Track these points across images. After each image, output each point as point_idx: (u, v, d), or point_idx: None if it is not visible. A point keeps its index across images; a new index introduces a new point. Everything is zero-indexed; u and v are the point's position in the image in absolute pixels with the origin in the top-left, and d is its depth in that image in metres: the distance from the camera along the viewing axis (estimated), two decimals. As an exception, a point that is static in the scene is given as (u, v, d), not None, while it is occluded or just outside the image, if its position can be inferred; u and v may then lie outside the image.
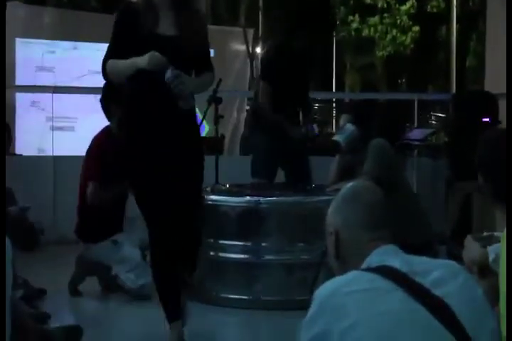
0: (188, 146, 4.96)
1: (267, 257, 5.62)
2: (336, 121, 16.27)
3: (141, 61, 4.61)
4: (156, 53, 4.61)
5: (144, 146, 4.84)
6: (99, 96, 11.68)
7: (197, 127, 5.39)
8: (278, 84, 6.74)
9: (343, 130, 6.16)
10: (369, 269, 2.71)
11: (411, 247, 3.63)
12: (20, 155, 10.75)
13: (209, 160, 6.34)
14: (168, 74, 4.60)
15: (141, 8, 4.84)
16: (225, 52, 16.91)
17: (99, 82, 13.83)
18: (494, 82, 9.63)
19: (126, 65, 4.79)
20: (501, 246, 3.78)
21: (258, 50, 20.42)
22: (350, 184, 3.95)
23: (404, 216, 4.52)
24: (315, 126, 6.71)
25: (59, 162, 8.28)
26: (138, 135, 4.90)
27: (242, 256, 5.67)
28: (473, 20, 15.55)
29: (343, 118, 6.35)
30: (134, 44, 4.65)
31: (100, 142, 6.34)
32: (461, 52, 16.47)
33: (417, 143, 7.08)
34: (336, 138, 6.16)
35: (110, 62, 4.73)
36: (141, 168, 4.83)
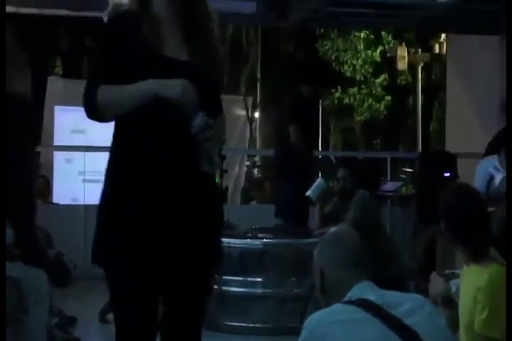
0: (204, 228, 2.91)
1: (264, 290, 5.57)
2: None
3: (166, 89, 2.78)
4: (189, 83, 2.83)
5: (138, 223, 2.79)
6: None
7: (217, 200, 3.26)
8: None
9: (314, 185, 6.17)
10: (350, 302, 2.73)
11: (385, 283, 3.63)
12: (57, 204, 10.75)
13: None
14: (199, 120, 2.79)
15: (139, 19, 2.95)
16: (228, 116, 16.82)
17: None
18: (453, 143, 9.64)
19: (133, 91, 2.85)
20: (461, 281, 3.79)
21: (256, 114, 20.47)
22: (333, 229, 3.97)
23: (380, 256, 4.51)
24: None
25: (89, 209, 8.27)
26: (128, 202, 2.86)
27: (242, 289, 5.59)
28: (435, 91, 15.65)
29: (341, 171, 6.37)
30: (131, 67, 2.87)
31: None
32: (425, 117, 16.61)
33: (389, 193, 7.07)
34: (308, 193, 6.18)
35: (103, 88, 2.83)
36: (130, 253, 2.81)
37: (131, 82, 2.81)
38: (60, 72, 18.92)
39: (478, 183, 6.71)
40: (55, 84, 15.35)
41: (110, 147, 3.07)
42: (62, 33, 18.46)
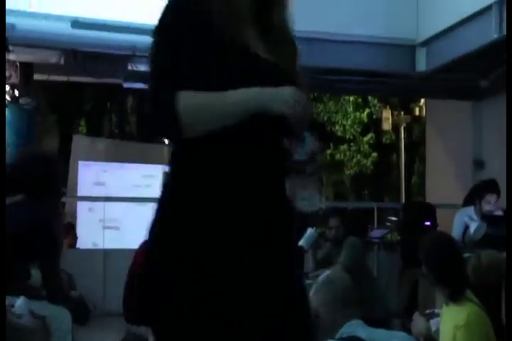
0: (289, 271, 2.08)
1: None
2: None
3: (276, 100, 1.92)
4: (302, 94, 2.01)
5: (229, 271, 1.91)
6: (140, 204, 11.45)
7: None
8: None
9: (305, 236, 6.14)
10: (341, 339, 2.72)
11: (373, 321, 3.61)
12: (79, 248, 10.77)
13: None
14: (310, 144, 2.04)
15: (218, 10, 2.03)
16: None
17: (141, 193, 13.99)
18: (433, 194, 9.65)
19: (233, 102, 1.95)
20: (441, 319, 3.77)
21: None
22: (326, 272, 3.96)
23: (368, 297, 4.50)
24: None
25: (108, 253, 8.27)
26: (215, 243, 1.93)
27: None
28: (416, 148, 15.77)
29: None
30: (222, 66, 1.95)
31: (142, 250, 6.23)
32: (407, 172, 16.70)
33: (376, 240, 7.06)
34: (300, 243, 6.16)
35: (186, 95, 1.89)
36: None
37: (222, 86, 1.83)
38: (84, 131, 18.95)
39: (455, 231, 6.73)
40: (79, 141, 15.51)
41: (173, 170, 2.07)
42: (87, 97, 18.59)
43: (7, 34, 7.12)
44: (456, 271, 3.79)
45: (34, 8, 7.30)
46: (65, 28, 7.40)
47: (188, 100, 1.83)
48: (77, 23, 7.42)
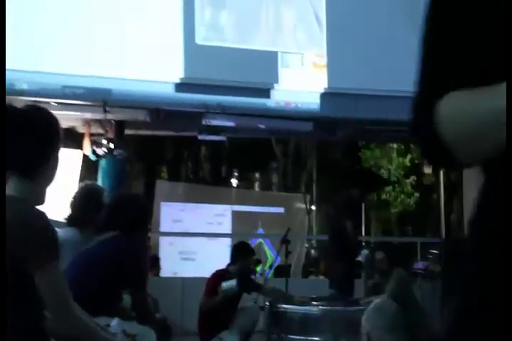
0: None
1: None
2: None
3: None
4: None
5: None
6: (212, 239, 11.48)
7: None
8: None
9: (362, 254, 6.19)
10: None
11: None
12: (162, 276, 10.88)
13: (280, 281, 6.35)
14: None
15: None
16: (292, 209, 17.05)
17: (213, 229, 14.09)
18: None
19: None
20: None
21: (313, 207, 20.49)
22: (376, 300, 3.96)
23: (414, 322, 4.47)
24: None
25: (185, 281, 8.33)
26: None
27: None
28: (454, 189, 15.59)
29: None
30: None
31: (213, 276, 6.25)
32: (446, 210, 16.51)
33: (420, 271, 7.00)
34: (358, 258, 6.20)
35: (455, 102, 0.96)
36: None
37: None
38: (165, 177, 19.24)
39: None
40: (161, 185, 15.88)
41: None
42: (167, 148, 18.90)
43: (105, 97, 7.35)
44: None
45: (125, 76, 7.49)
46: (151, 91, 7.59)
47: (461, 109, 1.02)
48: (161, 86, 7.63)
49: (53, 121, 2.48)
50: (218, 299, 5.81)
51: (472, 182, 10.26)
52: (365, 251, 6.23)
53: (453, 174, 17.50)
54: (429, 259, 7.71)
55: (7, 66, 6.95)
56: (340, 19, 8.07)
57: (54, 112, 2.58)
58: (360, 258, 6.22)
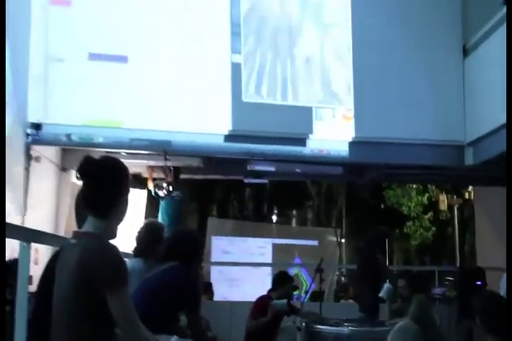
0: None
1: None
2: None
3: None
4: None
5: None
6: (255, 268, 11.38)
7: None
8: None
9: (384, 289, 6.07)
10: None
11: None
12: (213, 301, 10.83)
13: (315, 305, 6.28)
14: None
15: None
16: (324, 242, 16.94)
17: (257, 259, 14.02)
18: (483, 260, 9.34)
19: None
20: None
21: (343, 240, 20.35)
22: (400, 322, 3.91)
23: None
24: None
25: (233, 304, 8.26)
26: None
27: None
28: (467, 224, 15.40)
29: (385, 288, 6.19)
30: None
31: (258, 301, 6.20)
32: (461, 242, 16.26)
33: (438, 296, 6.87)
34: (381, 294, 6.08)
35: None
36: None
37: None
38: (216, 214, 19.32)
39: (502, 290, 6.49)
40: (212, 222, 15.93)
41: None
42: (217, 190, 19.02)
43: (165, 148, 7.44)
44: (504, 323, 3.69)
45: (182, 129, 7.57)
46: (204, 142, 7.66)
47: None
48: (213, 137, 7.70)
49: (123, 169, 2.54)
50: (266, 319, 5.78)
51: (483, 217, 10.11)
52: (387, 286, 6.10)
53: (466, 210, 17.32)
54: (445, 285, 7.56)
55: (86, 123, 7.13)
56: (364, 78, 8.11)
57: (124, 161, 2.64)
58: (381, 294, 6.09)
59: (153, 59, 7.60)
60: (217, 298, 12.16)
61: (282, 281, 6.31)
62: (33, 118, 7.10)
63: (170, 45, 7.67)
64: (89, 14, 7.45)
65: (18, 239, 3.11)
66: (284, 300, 5.89)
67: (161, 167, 7.71)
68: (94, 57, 7.36)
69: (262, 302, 6.03)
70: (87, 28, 7.40)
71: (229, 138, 7.70)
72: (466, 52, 8.24)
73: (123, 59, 7.46)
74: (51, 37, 7.27)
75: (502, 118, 7.12)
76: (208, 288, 9.39)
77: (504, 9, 7.36)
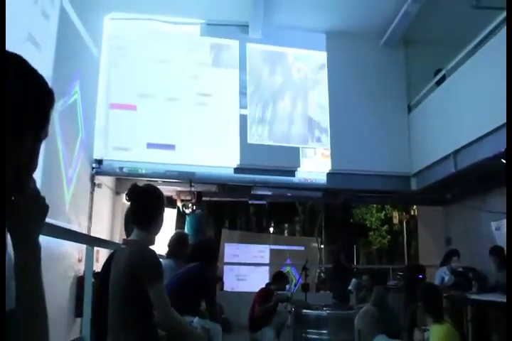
0: None
1: (328, 337, 5.24)
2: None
3: None
4: None
5: None
6: (257, 267, 11.28)
7: None
8: None
9: (352, 283, 6.01)
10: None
11: (391, 335, 3.51)
12: (225, 290, 10.71)
13: (302, 295, 6.23)
14: None
15: None
16: (308, 247, 16.80)
17: (257, 261, 13.89)
18: (423, 259, 9.27)
19: None
20: (430, 333, 3.63)
21: (322, 246, 20.15)
22: (364, 307, 3.89)
23: (388, 321, 4.36)
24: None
25: (240, 293, 8.19)
26: None
27: (316, 336, 5.30)
28: (413, 233, 15.25)
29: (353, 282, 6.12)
30: None
31: (261, 292, 6.15)
32: (408, 247, 16.09)
33: (392, 286, 6.80)
34: (349, 287, 6.03)
35: None
36: None
37: None
38: (227, 226, 19.20)
39: (436, 281, 6.46)
40: (225, 232, 15.76)
41: None
42: (228, 208, 18.95)
43: (191, 177, 7.44)
44: (438, 305, 3.68)
45: (203, 164, 7.60)
46: (219, 172, 7.68)
47: None
48: (225, 169, 7.71)
49: (160, 193, 2.59)
50: (270, 304, 5.77)
51: (424, 228, 10.05)
52: (354, 280, 6.05)
53: (412, 224, 17.27)
54: (397, 279, 7.50)
55: (133, 159, 7.17)
56: (337, 127, 8.17)
57: (160, 187, 2.68)
58: (350, 287, 6.04)
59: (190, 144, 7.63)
60: (227, 288, 12.07)
61: (279, 278, 6.30)
62: (97, 155, 7.17)
63: (202, 131, 7.70)
64: (148, 116, 7.54)
65: (85, 243, 3.15)
66: (287, 292, 5.92)
67: (187, 191, 7.73)
68: (150, 146, 7.44)
69: (267, 292, 6.01)
70: (147, 125, 7.50)
71: (237, 170, 7.72)
72: (410, 109, 8.34)
73: (172, 147, 7.49)
74: (117, 131, 7.38)
75: (436, 156, 7.19)
76: (219, 281, 9.33)
77: (435, 79, 7.49)
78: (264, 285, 6.32)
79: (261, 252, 14.63)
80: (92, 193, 6.87)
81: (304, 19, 8.14)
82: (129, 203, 2.51)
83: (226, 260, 13.60)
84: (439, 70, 7.42)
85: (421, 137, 7.85)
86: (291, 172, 7.92)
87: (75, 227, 5.68)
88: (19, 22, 4.39)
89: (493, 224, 7.25)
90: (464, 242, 7.85)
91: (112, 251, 2.94)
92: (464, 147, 6.39)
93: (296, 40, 8.44)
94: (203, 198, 8.25)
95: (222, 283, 10.26)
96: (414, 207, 13.58)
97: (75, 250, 5.75)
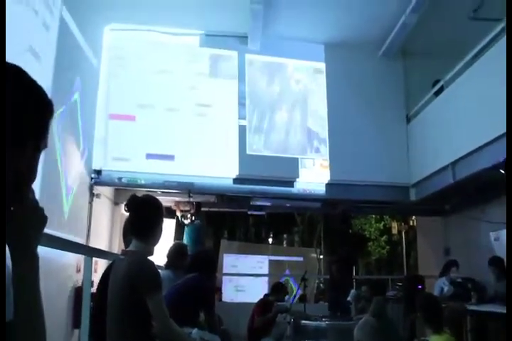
0: None
1: None
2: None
3: None
4: None
5: None
6: (255, 278, 11.19)
7: None
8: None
9: (350, 294, 5.97)
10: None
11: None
12: (223, 301, 10.64)
13: (300, 306, 6.19)
14: None
15: None
16: (307, 258, 16.75)
17: (256, 271, 13.83)
18: (423, 269, 9.24)
19: None
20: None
21: (321, 257, 20.05)
22: (363, 317, 3.87)
23: (388, 331, 4.33)
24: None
25: (239, 305, 8.13)
26: None
27: None
28: (412, 244, 15.20)
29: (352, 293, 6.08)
30: None
31: (260, 302, 6.14)
32: (408, 257, 16.03)
33: (391, 297, 6.76)
34: (348, 298, 5.98)
35: None
36: None
37: None
38: (227, 237, 19.11)
39: (436, 292, 6.42)
40: (224, 243, 15.70)
41: None
42: (227, 219, 18.91)
43: (189, 188, 7.43)
44: (437, 315, 3.66)
45: (202, 174, 7.59)
46: (218, 183, 7.66)
47: None
48: (224, 180, 7.69)
49: (158, 204, 2.59)
50: (270, 315, 5.75)
51: (423, 238, 10.03)
52: (353, 291, 6.01)
53: (410, 234, 17.24)
54: (396, 289, 7.46)
55: (132, 169, 7.18)
56: (336, 138, 8.18)
57: (158, 197, 2.68)
58: (348, 298, 6.00)
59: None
60: (226, 299, 12.00)
61: (278, 289, 6.28)
62: (96, 166, 7.17)
63: (201, 142, 7.72)
64: (147, 126, 7.56)
65: (83, 254, 3.13)
66: (287, 303, 5.89)
67: (186, 202, 7.72)
68: (149, 156, 7.46)
69: (266, 303, 5.99)
70: (146, 136, 7.51)
71: (236, 180, 7.71)
72: (408, 119, 8.35)
73: (171, 157, 7.51)
74: (117, 141, 7.40)
75: (435, 167, 7.20)
76: (218, 291, 9.28)
77: (433, 89, 7.53)
78: (262, 297, 6.30)
79: (260, 263, 14.57)
80: (90, 203, 6.86)
81: (303, 30, 8.19)
82: (127, 214, 2.51)
83: (225, 271, 13.53)
84: (437, 81, 7.47)
85: (420, 147, 7.87)
86: (290, 183, 7.90)
87: (73, 238, 5.67)
88: (20, 33, 4.41)
89: (492, 235, 7.24)
90: (463, 253, 7.83)
91: (110, 261, 2.92)
92: (462, 157, 6.40)
93: (295, 51, 8.49)
94: (202, 209, 8.24)
95: (221, 294, 10.20)
96: (413, 217, 13.57)
97: (73, 261, 5.73)
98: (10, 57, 1.04)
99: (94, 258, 3.24)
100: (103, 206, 7.48)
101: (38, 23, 5.05)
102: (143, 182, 7.34)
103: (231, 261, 14.17)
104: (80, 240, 6.09)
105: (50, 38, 5.37)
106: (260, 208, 8.62)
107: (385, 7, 7.41)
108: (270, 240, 21.21)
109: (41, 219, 1.02)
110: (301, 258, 16.14)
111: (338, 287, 6.38)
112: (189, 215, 7.58)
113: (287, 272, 14.60)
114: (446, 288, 6.47)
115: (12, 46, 3.99)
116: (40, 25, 5.12)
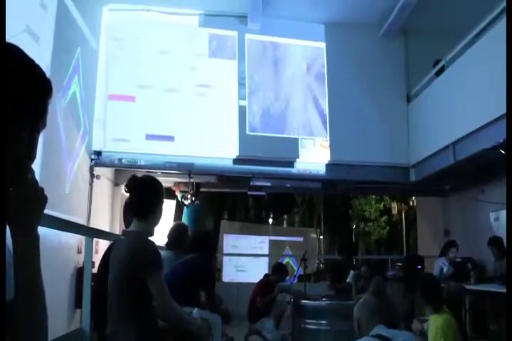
0: None
1: (326, 327, 5.24)
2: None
3: None
4: None
5: None
6: (256, 258, 11.27)
7: None
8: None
9: (350, 275, 6.01)
10: (372, 336, 2.69)
11: (390, 325, 3.52)
12: (224, 281, 10.72)
13: (301, 285, 6.24)
14: None
15: None
16: (309, 238, 16.87)
17: (257, 251, 13.93)
18: (422, 249, 9.30)
19: None
20: (429, 323, 3.65)
21: (321, 237, 20.17)
22: (363, 296, 3.89)
23: (386, 311, 4.37)
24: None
25: (240, 285, 8.21)
26: None
27: (315, 326, 5.32)
28: (412, 223, 15.27)
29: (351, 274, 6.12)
30: None
31: (261, 282, 6.18)
32: (407, 237, 16.13)
33: (390, 277, 6.82)
34: (347, 280, 6.02)
35: None
36: None
37: None
38: (227, 218, 19.17)
39: (435, 272, 6.47)
40: (224, 224, 15.83)
41: None
42: (228, 199, 18.91)
43: (190, 168, 7.42)
44: (437, 295, 3.70)
45: (202, 155, 7.56)
46: (218, 164, 7.64)
47: None
48: (224, 161, 7.69)
49: (158, 184, 2.58)
50: (272, 295, 5.81)
51: (423, 219, 10.08)
52: (352, 272, 6.05)
53: (410, 214, 17.31)
54: (396, 269, 7.51)
55: (132, 150, 7.18)
56: (336, 118, 8.14)
57: (159, 178, 2.68)
58: (348, 280, 6.04)
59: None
60: (227, 279, 12.12)
61: (279, 269, 6.32)
62: (96, 147, 7.15)
63: (201, 122, 7.66)
64: (147, 107, 7.50)
65: (84, 234, 3.15)
66: (288, 283, 5.92)
67: (186, 183, 7.72)
68: (149, 137, 7.41)
69: (267, 283, 6.04)
70: (145, 116, 7.45)
71: (236, 161, 7.69)
72: (409, 99, 8.30)
73: (171, 138, 7.46)
74: (116, 122, 7.34)
75: (435, 147, 7.19)
76: (218, 272, 9.34)
77: (434, 69, 7.46)
78: (262, 277, 6.35)
79: (260, 243, 14.69)
80: (91, 184, 6.87)
81: (303, 10, 8.08)
82: (128, 194, 2.51)
83: (225, 251, 13.66)
84: (438, 61, 7.39)
85: (420, 128, 7.84)
86: (290, 163, 7.90)
87: (74, 219, 5.69)
88: (17, 13, 4.34)
89: (492, 215, 7.26)
90: (463, 233, 7.87)
91: (111, 242, 2.93)
92: (462, 138, 6.38)
93: (295, 31, 8.39)
94: (202, 189, 8.25)
95: (220, 274, 10.29)
96: (413, 198, 13.62)
97: (74, 241, 5.76)
98: (8, 38, 1.02)
99: (94, 239, 3.26)
100: (103, 187, 7.48)
101: (35, 3, 4.97)
102: (143, 163, 7.34)
103: (231, 242, 14.29)
104: (81, 221, 6.11)
105: (48, 18, 5.29)
106: (260, 188, 8.63)
107: (386, -15, 7.29)
108: (270, 220, 21.33)
109: (41, 198, 1.01)
110: (301, 239, 16.27)
111: (340, 267, 6.39)
112: (189, 196, 7.59)
113: (288, 252, 14.72)
114: (445, 268, 6.51)
115: (9, 26, 3.93)
116: (38, 5, 5.04)
